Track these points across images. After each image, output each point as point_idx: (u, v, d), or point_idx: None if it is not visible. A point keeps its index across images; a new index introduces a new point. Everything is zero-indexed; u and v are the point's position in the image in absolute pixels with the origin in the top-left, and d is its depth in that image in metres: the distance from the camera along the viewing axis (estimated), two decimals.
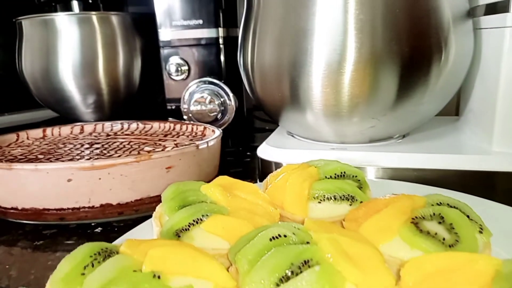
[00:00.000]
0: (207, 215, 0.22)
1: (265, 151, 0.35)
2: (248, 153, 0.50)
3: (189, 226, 0.21)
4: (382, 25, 0.28)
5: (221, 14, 0.48)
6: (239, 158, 0.48)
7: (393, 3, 0.28)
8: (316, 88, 0.30)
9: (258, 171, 0.37)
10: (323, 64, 0.29)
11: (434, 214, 0.20)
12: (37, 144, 0.40)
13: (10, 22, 0.53)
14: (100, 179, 0.29)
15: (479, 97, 0.33)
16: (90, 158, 0.33)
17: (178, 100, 0.51)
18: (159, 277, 0.16)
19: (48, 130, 0.43)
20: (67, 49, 0.49)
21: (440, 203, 0.21)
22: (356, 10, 0.28)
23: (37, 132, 0.43)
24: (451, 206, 0.21)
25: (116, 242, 0.23)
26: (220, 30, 0.48)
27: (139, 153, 0.34)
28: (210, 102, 0.48)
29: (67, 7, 0.53)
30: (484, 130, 0.32)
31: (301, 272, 0.16)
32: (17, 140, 0.41)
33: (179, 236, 0.21)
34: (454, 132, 0.37)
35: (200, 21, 0.48)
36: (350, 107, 0.30)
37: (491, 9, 0.31)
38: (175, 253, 0.17)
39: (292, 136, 0.38)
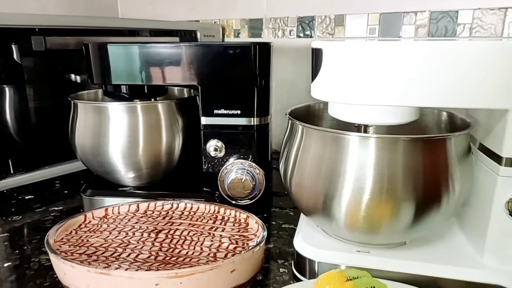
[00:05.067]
0: None
1: (301, 246, 0.44)
2: (273, 223, 0.58)
3: None
4: (402, 176, 0.37)
5: (255, 106, 0.56)
6: (267, 229, 0.56)
7: (408, 162, 0.37)
8: (344, 212, 0.39)
9: (294, 259, 0.46)
10: (350, 198, 0.38)
11: None
12: (105, 227, 0.47)
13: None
14: (181, 283, 0.36)
15: (473, 215, 0.42)
16: (165, 256, 0.41)
17: (214, 174, 0.58)
18: None
19: (109, 209, 0.50)
20: (116, 132, 0.56)
21: None
22: (377, 164, 0.37)
23: (100, 212, 0.50)
24: None
25: None
26: (254, 119, 0.56)
27: (202, 249, 0.42)
28: (244, 180, 0.56)
29: (116, 88, 0.60)
30: (476, 244, 0.41)
31: None
32: (85, 220, 0.48)
33: None
34: (449, 233, 0.45)
35: (238, 111, 0.56)
36: (370, 229, 0.39)
37: (485, 151, 0.40)
38: None
39: (322, 229, 0.46)
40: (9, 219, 0.60)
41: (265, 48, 0.54)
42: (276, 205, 0.64)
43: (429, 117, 0.49)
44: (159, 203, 0.52)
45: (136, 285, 0.36)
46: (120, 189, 0.62)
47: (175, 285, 0.36)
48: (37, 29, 0.64)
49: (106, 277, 0.36)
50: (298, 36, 0.87)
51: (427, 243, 0.43)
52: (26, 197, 0.68)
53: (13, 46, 0.65)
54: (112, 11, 1.19)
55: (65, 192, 0.70)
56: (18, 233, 0.56)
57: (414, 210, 0.38)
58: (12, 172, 0.68)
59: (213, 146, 0.57)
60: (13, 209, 0.63)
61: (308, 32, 0.86)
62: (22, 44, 0.64)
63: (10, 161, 0.69)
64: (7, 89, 0.69)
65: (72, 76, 0.76)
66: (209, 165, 0.59)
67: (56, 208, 0.64)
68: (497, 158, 0.37)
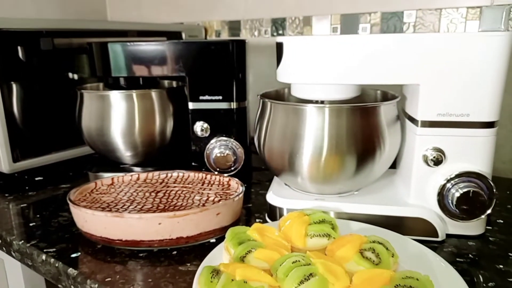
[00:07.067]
0: (254, 248, 0.41)
1: (272, 198, 0.55)
2: (252, 190, 0.70)
3: (246, 254, 0.41)
4: (346, 135, 0.49)
5: (234, 92, 0.67)
6: (247, 195, 0.67)
7: (352, 125, 0.49)
8: (305, 167, 0.51)
9: (267, 210, 0.57)
10: (310, 155, 0.50)
11: (370, 248, 0.41)
12: (113, 191, 0.58)
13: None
14: (178, 222, 0.48)
15: (404, 167, 0.54)
16: (164, 207, 0.52)
17: (201, 152, 0.69)
18: (246, 282, 0.35)
19: (115, 178, 0.61)
20: (116, 116, 0.67)
21: (374, 241, 0.42)
22: (330, 127, 0.49)
23: (107, 180, 0.61)
24: (379, 243, 0.41)
25: (204, 263, 0.42)
26: (233, 103, 0.67)
27: (193, 202, 0.53)
28: (226, 154, 0.67)
29: (115, 81, 0.70)
30: (406, 188, 0.53)
31: (308, 279, 0.36)
32: (95, 186, 0.59)
33: (242, 260, 0.40)
34: (391, 185, 0.58)
35: (220, 97, 0.67)
36: (325, 179, 0.51)
37: (410, 118, 0.52)
38: (249, 270, 0.37)
39: (288, 186, 0.58)
40: (25, 194, 0.70)
41: (241, 44, 0.66)
42: (255, 178, 0.76)
43: (369, 95, 0.61)
44: (156, 173, 0.63)
45: (144, 224, 0.47)
46: (121, 166, 0.72)
47: (173, 223, 0.47)
48: (44, 32, 0.74)
49: (120, 219, 0.47)
50: (272, 35, 0.99)
51: (369, 193, 0.55)
52: (36, 178, 0.78)
53: (19, 47, 0.75)
54: (101, 14, 1.29)
55: (70, 174, 0.80)
56: (36, 204, 0.66)
57: (356, 162, 0.50)
58: (20, 158, 0.78)
59: (200, 127, 0.69)
60: (27, 187, 0.73)
61: (281, 32, 0.98)
62: (29, 45, 0.74)
63: (19, 148, 0.78)
64: (14, 85, 0.79)
65: (70, 74, 0.86)
66: (197, 144, 0.70)
67: (64, 186, 0.74)
68: (415, 121, 0.49)
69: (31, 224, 0.58)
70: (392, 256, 0.41)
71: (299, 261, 0.38)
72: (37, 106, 0.79)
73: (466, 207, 0.47)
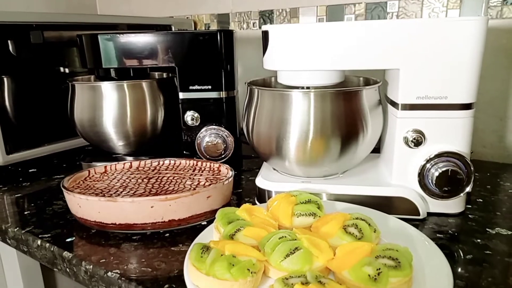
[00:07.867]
0: (243, 227, 0.43)
1: (261, 182, 0.57)
2: (242, 177, 0.72)
3: (235, 232, 0.43)
4: (330, 118, 0.51)
5: (223, 82, 0.69)
6: (237, 181, 0.69)
7: (336, 109, 0.50)
8: (292, 151, 0.53)
9: (256, 194, 0.59)
10: (296, 139, 0.52)
11: (353, 224, 0.43)
12: (106, 179, 0.59)
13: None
14: (170, 205, 0.49)
15: (387, 150, 0.57)
16: (157, 191, 0.53)
17: (192, 140, 0.71)
18: (235, 256, 0.37)
19: (108, 167, 0.62)
20: (108, 107, 0.68)
21: (357, 217, 0.44)
22: (315, 112, 0.51)
23: (100, 168, 0.62)
24: (362, 219, 0.43)
25: (195, 241, 0.44)
26: (223, 92, 0.69)
27: (184, 186, 0.55)
28: (216, 142, 0.69)
29: (107, 73, 0.71)
30: (388, 170, 0.55)
31: (294, 253, 0.38)
32: (89, 174, 0.60)
33: (232, 237, 0.42)
34: (374, 168, 0.60)
35: (209, 86, 0.69)
36: (312, 161, 0.53)
37: (391, 102, 0.54)
38: (237, 246, 0.39)
39: (276, 171, 0.60)
40: (20, 185, 0.71)
41: (229, 34, 0.67)
42: (245, 166, 0.77)
43: (352, 82, 0.63)
44: (148, 161, 0.65)
45: (136, 208, 0.49)
46: (113, 156, 0.73)
47: (165, 206, 0.49)
48: (34, 25, 0.75)
49: (113, 204, 0.49)
50: (260, 27, 1.00)
51: (354, 175, 0.58)
52: (30, 170, 0.79)
53: (9, 40, 0.76)
54: (91, 9, 1.30)
55: (64, 165, 0.81)
56: (31, 194, 0.67)
57: (340, 144, 0.52)
58: (13, 150, 0.78)
59: (190, 116, 0.70)
60: (21, 179, 0.74)
61: (268, 24, 0.99)
62: (19, 38, 0.75)
63: (12, 140, 0.79)
64: (5, 78, 0.79)
65: (61, 67, 0.87)
66: (188, 134, 0.72)
67: (58, 177, 0.75)
68: (396, 105, 0.52)
69: (26, 213, 0.59)
70: (374, 232, 0.43)
71: (285, 237, 0.40)
72: (29, 99, 0.80)
73: (446, 185, 0.50)
